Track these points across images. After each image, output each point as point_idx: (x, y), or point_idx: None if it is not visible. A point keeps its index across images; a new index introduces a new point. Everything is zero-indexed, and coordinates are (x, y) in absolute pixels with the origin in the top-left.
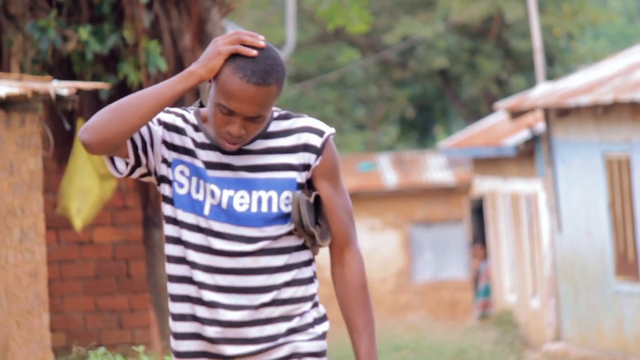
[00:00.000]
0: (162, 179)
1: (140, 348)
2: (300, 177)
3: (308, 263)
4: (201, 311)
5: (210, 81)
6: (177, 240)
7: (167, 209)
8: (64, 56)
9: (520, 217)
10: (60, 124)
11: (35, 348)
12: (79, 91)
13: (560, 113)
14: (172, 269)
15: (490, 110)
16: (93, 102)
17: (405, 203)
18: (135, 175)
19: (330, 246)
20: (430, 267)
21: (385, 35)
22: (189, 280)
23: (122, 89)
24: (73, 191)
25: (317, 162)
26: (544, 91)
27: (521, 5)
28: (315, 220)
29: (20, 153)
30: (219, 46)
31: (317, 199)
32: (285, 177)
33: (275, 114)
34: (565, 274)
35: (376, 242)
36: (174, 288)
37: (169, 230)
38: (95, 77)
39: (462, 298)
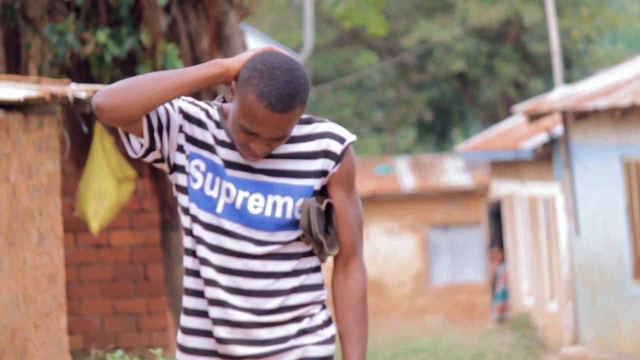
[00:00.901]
0: (176, 168)
1: (158, 351)
2: (317, 183)
3: (316, 269)
4: (212, 310)
5: (232, 89)
6: (190, 232)
7: (183, 200)
8: (82, 59)
9: (538, 220)
10: (78, 127)
11: (53, 350)
12: None
13: (578, 116)
14: (186, 262)
15: (508, 114)
16: None
17: (423, 206)
18: (149, 159)
19: (336, 255)
20: (448, 270)
21: (403, 38)
22: (198, 274)
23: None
24: (90, 194)
25: (335, 169)
26: (561, 94)
27: (539, 8)
28: (324, 228)
29: (38, 156)
30: (252, 49)
31: (329, 206)
32: (303, 184)
33: None
34: (583, 277)
35: (394, 246)
36: (188, 282)
37: (185, 221)
38: (113, 80)
39: (480, 301)
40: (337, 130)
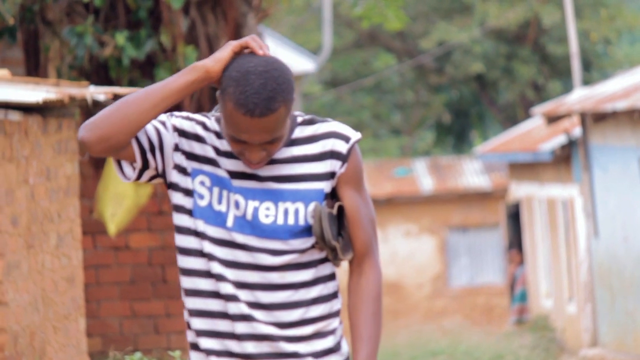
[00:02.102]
0: (172, 186)
1: (177, 353)
2: (327, 186)
3: (331, 277)
4: (237, 325)
5: (220, 99)
6: (199, 253)
7: (180, 219)
8: (101, 62)
9: (557, 222)
10: None
11: (72, 353)
12: (116, 97)
13: (597, 118)
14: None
15: (527, 116)
16: None
17: (442, 208)
18: (144, 178)
19: (352, 255)
20: (466, 272)
21: (422, 40)
22: (216, 294)
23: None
24: (108, 196)
25: (343, 170)
26: (580, 96)
27: (558, 10)
28: (337, 232)
29: (57, 158)
30: (229, 43)
31: (340, 209)
32: (312, 187)
33: (299, 119)
34: (602, 279)
35: (412, 248)
36: (197, 303)
37: (187, 242)
38: (131, 83)
39: (498, 303)
40: (342, 129)
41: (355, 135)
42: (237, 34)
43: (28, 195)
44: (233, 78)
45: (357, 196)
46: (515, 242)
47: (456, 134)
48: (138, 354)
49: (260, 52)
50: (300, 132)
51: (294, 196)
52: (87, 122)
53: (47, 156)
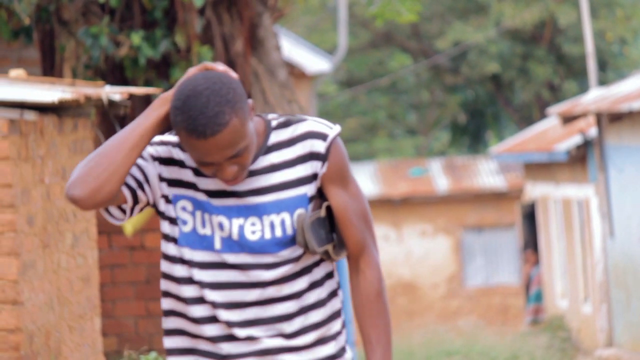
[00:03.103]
0: (161, 215)
1: None
2: (311, 189)
3: (329, 276)
4: (231, 347)
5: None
6: (189, 281)
7: (167, 247)
8: (117, 62)
9: (572, 222)
10: (113, 129)
11: (87, 352)
12: (131, 96)
13: (612, 118)
14: (194, 310)
15: (542, 116)
16: (145, 108)
17: (457, 208)
18: (135, 213)
19: (347, 254)
20: (482, 272)
21: (437, 40)
22: (212, 319)
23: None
24: None
25: (324, 169)
26: (596, 96)
27: (574, 10)
28: (331, 231)
29: (72, 158)
30: (190, 70)
31: (330, 209)
32: (295, 194)
33: (274, 123)
34: (618, 279)
35: (427, 248)
36: (196, 329)
37: (176, 270)
38: (147, 83)
39: (514, 303)
40: (318, 127)
41: (332, 131)
42: (252, 34)
43: (44, 194)
44: (176, 107)
45: (343, 193)
46: (531, 242)
47: (472, 134)
48: (153, 354)
49: (220, 67)
50: (276, 137)
51: (278, 207)
52: (72, 180)
53: (63, 156)
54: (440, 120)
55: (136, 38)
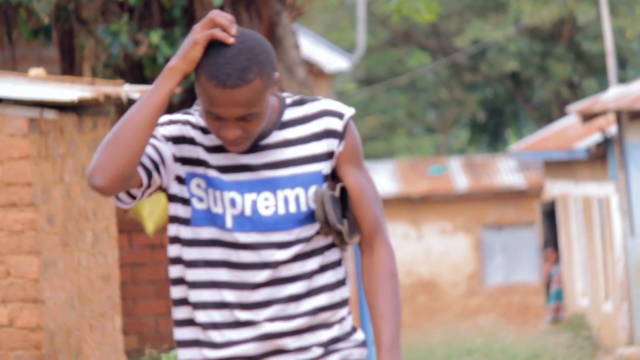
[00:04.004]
0: (173, 198)
1: None
2: (326, 167)
3: (339, 263)
4: (237, 334)
5: (195, 80)
6: (201, 263)
7: (180, 230)
8: (136, 60)
9: (593, 220)
10: None
11: (108, 351)
12: None
13: (632, 116)
14: (203, 295)
15: (562, 114)
16: None
17: (476, 206)
18: (144, 197)
19: (361, 236)
20: (502, 270)
21: (456, 38)
22: (220, 305)
23: (193, 93)
24: None
25: (341, 148)
26: (616, 94)
27: (593, 7)
28: (342, 215)
29: (92, 156)
30: (195, 34)
31: (343, 191)
32: (310, 170)
33: (289, 100)
34: (638, 277)
35: (447, 246)
36: (202, 315)
37: (188, 253)
38: None
39: (534, 302)
40: (334, 106)
41: (349, 111)
42: (271, 33)
43: (64, 193)
44: (207, 51)
45: (359, 174)
46: (551, 240)
47: (491, 132)
48: (174, 352)
49: (231, 40)
50: (290, 114)
51: (292, 182)
52: (92, 168)
53: (83, 154)
54: (459, 119)
55: (155, 37)
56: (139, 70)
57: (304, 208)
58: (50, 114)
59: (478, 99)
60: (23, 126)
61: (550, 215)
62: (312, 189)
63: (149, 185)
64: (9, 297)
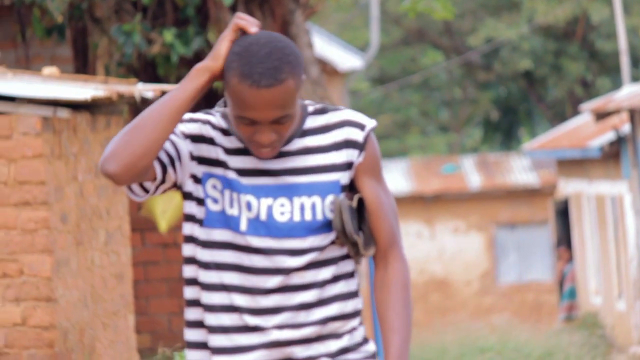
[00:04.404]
0: (187, 196)
1: None
2: (344, 177)
3: (352, 274)
4: (246, 339)
5: (225, 86)
6: (213, 266)
7: (194, 229)
8: (149, 59)
9: (606, 219)
10: None
11: (121, 349)
12: (164, 94)
13: None
14: (213, 298)
15: (575, 112)
16: None
17: (490, 205)
18: (157, 194)
19: (376, 249)
20: (515, 269)
21: (470, 37)
22: (229, 308)
23: (207, 92)
24: None
25: (361, 159)
26: (629, 92)
27: (607, 6)
28: (358, 227)
29: None
30: (222, 34)
31: (360, 202)
32: (328, 179)
33: (311, 109)
34: None
35: (460, 244)
36: (212, 318)
37: (203, 254)
38: (179, 80)
39: (547, 300)
40: (355, 117)
41: (370, 123)
42: (284, 31)
43: (77, 192)
44: (235, 53)
45: (377, 186)
46: (564, 239)
47: (504, 130)
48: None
49: (253, 29)
50: (312, 122)
51: (310, 189)
52: (106, 155)
53: (96, 153)
54: (472, 117)
55: (168, 35)
56: (152, 69)
57: (319, 217)
58: (64, 113)
59: (491, 98)
60: (36, 125)
61: (563, 213)
62: (330, 198)
63: (163, 181)
64: (22, 295)
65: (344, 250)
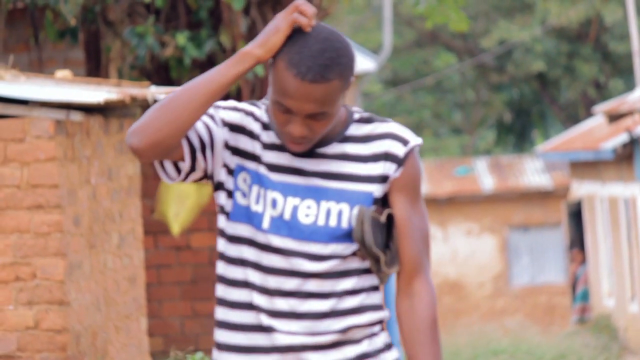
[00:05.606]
0: (219, 186)
1: None
2: (378, 190)
3: (376, 288)
4: (261, 339)
5: (271, 66)
6: (239, 262)
7: (222, 222)
8: (162, 62)
9: (619, 221)
10: None
11: (134, 352)
12: None
13: None
14: (236, 294)
15: (588, 114)
16: None
17: (503, 207)
18: (189, 180)
19: (398, 273)
20: (528, 271)
21: (483, 39)
22: (248, 306)
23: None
24: (170, 196)
25: (397, 174)
26: None
27: (620, 8)
28: (384, 243)
29: (118, 158)
30: (278, 21)
31: (390, 218)
32: (361, 189)
33: (357, 116)
34: None
35: (473, 247)
36: (233, 315)
37: (232, 250)
38: None
39: (560, 303)
40: (401, 131)
41: (415, 140)
42: None
43: (90, 195)
44: (291, 39)
45: (409, 206)
46: (577, 241)
47: (517, 132)
48: (199, 354)
49: (308, 29)
50: (355, 130)
51: (339, 196)
52: (134, 127)
53: (109, 156)
54: (485, 119)
55: (181, 38)
56: (165, 72)
57: (344, 224)
58: (77, 116)
59: (504, 100)
60: (49, 128)
61: (576, 215)
62: (357, 208)
63: (193, 168)
64: (35, 299)
65: (366, 264)
